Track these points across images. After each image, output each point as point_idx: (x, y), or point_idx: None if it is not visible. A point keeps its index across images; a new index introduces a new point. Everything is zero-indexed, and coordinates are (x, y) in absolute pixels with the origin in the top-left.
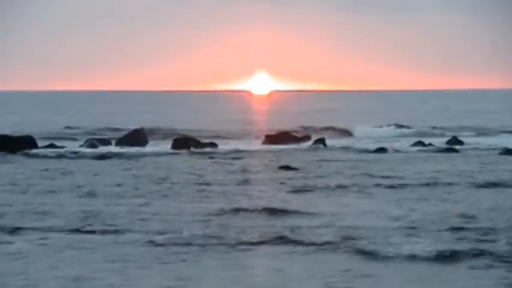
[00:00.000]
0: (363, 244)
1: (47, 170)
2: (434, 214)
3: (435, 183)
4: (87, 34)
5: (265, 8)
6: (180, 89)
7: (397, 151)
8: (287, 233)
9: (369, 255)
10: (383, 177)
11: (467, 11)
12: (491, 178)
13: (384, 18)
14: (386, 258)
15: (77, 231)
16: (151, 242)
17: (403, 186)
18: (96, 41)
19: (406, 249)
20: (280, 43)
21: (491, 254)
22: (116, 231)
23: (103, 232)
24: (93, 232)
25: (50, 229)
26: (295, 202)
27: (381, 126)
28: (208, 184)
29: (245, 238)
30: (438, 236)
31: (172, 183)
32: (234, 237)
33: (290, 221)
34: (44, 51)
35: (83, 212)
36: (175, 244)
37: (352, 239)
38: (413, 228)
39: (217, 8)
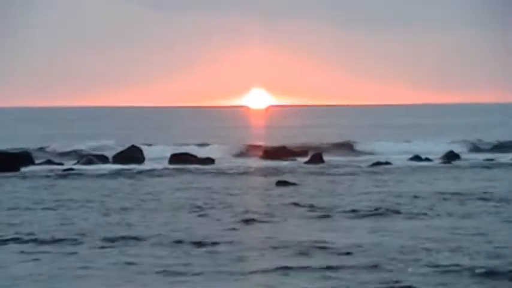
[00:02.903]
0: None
1: (45, 188)
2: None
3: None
4: (85, 51)
5: (261, 25)
6: (178, 105)
7: (393, 166)
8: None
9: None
10: (376, 194)
11: (461, 27)
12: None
13: (379, 34)
14: None
15: None
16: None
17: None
18: (96, 58)
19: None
20: (276, 59)
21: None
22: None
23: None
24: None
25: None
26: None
27: (381, 141)
28: (198, 206)
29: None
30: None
31: (152, 202)
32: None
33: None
34: (43, 66)
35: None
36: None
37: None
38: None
39: (214, 26)
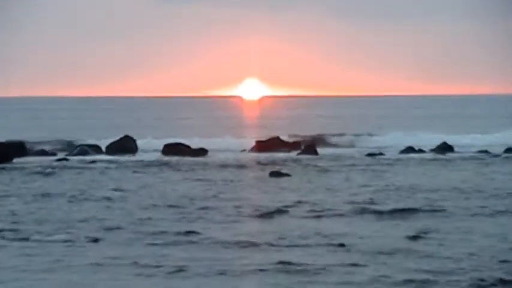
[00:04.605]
0: None
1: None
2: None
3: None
4: (81, 42)
5: (256, 15)
6: (171, 94)
7: (384, 158)
8: None
9: None
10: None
11: (462, 18)
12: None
13: (378, 25)
14: None
15: None
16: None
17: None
18: (94, 49)
19: None
20: (271, 49)
21: None
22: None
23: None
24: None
25: None
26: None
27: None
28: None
29: None
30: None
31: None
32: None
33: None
34: (40, 57)
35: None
36: None
37: None
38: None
39: (210, 17)
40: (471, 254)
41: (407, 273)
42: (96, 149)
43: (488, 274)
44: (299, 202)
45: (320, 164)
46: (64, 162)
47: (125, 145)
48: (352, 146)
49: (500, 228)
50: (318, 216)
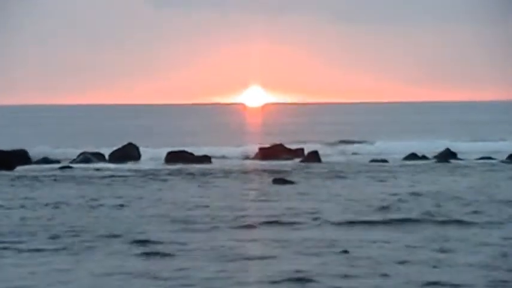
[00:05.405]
0: None
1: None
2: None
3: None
4: (82, 45)
5: (259, 21)
6: (174, 102)
7: (388, 165)
8: None
9: None
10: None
11: (462, 23)
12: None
13: (380, 30)
14: None
15: None
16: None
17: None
18: (94, 56)
19: None
20: (274, 56)
21: None
22: None
23: None
24: None
25: None
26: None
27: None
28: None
29: None
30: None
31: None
32: None
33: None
34: (39, 60)
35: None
36: None
37: None
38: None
39: (210, 21)
40: (487, 262)
41: (414, 284)
42: (99, 156)
43: None
44: (303, 209)
45: (323, 171)
46: (67, 170)
47: (128, 153)
48: (355, 153)
49: None
50: (323, 224)
